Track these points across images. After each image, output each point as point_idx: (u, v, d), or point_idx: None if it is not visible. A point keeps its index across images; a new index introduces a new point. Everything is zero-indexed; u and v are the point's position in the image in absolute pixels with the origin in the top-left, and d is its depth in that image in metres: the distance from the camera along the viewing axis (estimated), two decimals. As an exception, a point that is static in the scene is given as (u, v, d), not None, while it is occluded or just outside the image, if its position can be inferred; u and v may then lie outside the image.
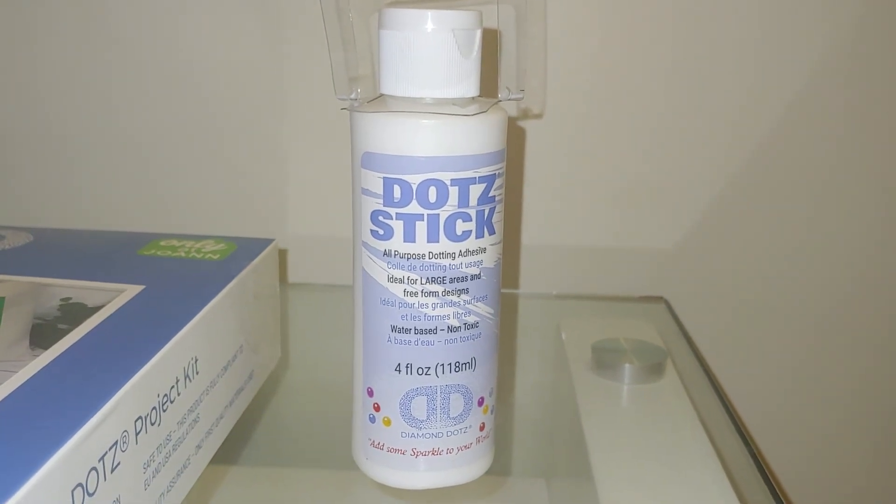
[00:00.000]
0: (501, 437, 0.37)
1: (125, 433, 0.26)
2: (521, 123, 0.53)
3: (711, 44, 0.51)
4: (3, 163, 0.55)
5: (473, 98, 0.32)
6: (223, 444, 0.35)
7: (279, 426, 0.51)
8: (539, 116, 0.52)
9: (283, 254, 0.54)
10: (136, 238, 0.41)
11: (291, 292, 0.54)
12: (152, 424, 0.28)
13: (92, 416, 0.25)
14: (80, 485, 0.24)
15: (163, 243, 0.40)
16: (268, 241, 0.41)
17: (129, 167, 0.54)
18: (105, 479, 0.25)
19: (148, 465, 0.28)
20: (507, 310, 0.49)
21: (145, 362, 0.28)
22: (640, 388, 0.41)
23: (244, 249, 0.40)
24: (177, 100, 0.53)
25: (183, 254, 0.38)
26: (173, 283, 0.35)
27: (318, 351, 0.51)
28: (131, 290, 0.34)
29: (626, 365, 0.41)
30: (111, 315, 0.32)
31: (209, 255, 0.38)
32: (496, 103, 0.33)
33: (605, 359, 0.42)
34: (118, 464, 0.26)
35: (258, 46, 0.52)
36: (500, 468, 0.35)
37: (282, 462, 0.51)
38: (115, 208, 0.55)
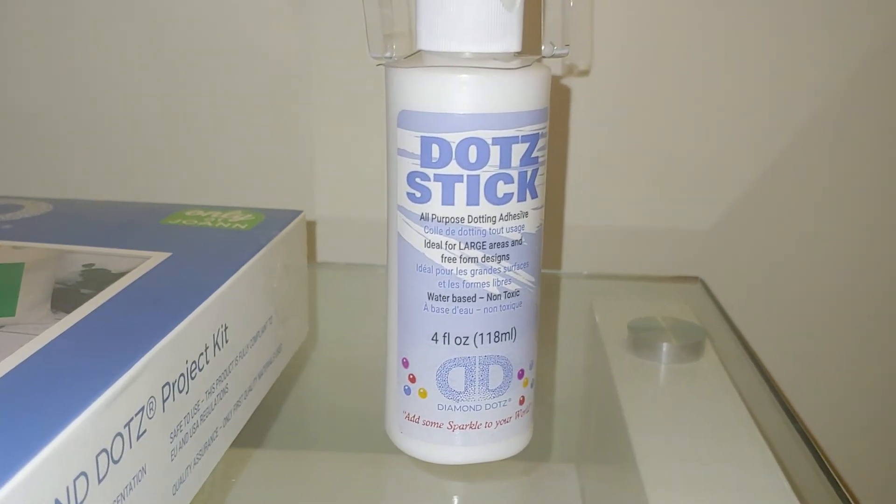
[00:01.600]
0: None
1: (152, 399, 0.25)
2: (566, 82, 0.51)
3: (766, 21, 0.50)
4: (32, 136, 0.54)
5: (516, 54, 0.30)
6: (248, 425, 0.34)
7: (307, 407, 0.49)
8: (585, 73, 0.51)
9: (310, 231, 0.53)
10: (159, 208, 0.40)
11: (319, 271, 0.53)
12: (180, 392, 0.27)
13: (118, 379, 0.23)
14: (104, 450, 0.22)
15: (188, 213, 0.39)
16: (296, 213, 0.40)
17: (152, 147, 0.53)
18: (131, 447, 0.24)
19: (175, 435, 0.27)
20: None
21: (174, 326, 0.27)
22: (679, 368, 0.39)
23: (272, 220, 0.38)
24: (204, 81, 0.52)
25: (209, 223, 0.37)
26: (200, 251, 0.34)
27: (347, 330, 0.50)
28: (157, 257, 0.33)
29: (665, 344, 0.40)
30: (137, 280, 0.30)
31: (237, 224, 0.37)
32: (539, 60, 0.31)
33: (642, 338, 0.40)
34: (144, 431, 0.25)
35: (287, 24, 0.51)
36: (525, 454, 0.34)
37: (309, 445, 0.49)
38: (139, 187, 0.54)
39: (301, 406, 0.48)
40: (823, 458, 0.34)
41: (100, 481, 0.22)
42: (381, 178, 0.33)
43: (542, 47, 0.32)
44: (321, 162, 0.53)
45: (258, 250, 0.34)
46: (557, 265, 0.54)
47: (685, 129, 0.52)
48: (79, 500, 0.21)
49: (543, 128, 0.31)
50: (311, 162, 0.53)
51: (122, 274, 0.31)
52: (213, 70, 0.52)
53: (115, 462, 0.23)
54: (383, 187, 0.32)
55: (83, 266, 0.31)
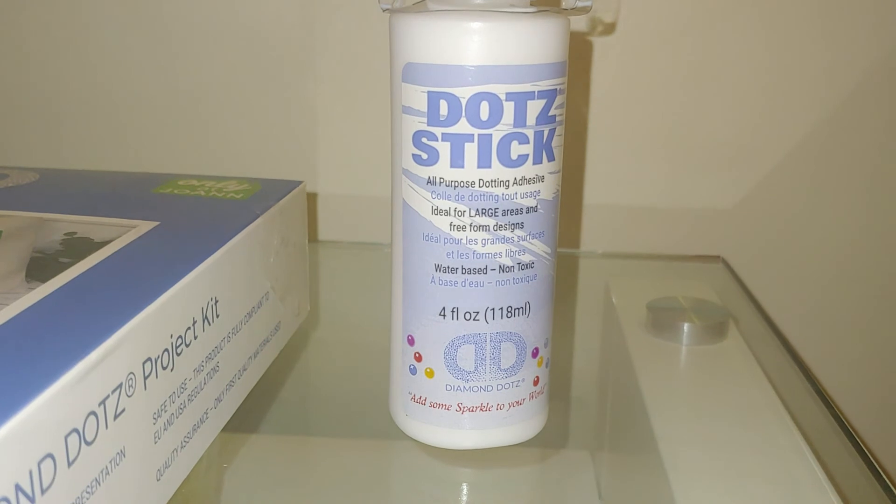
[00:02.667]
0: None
1: (131, 376, 0.23)
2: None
3: (800, 6, 0.48)
4: (27, 106, 0.52)
5: (532, 3, 0.28)
6: (244, 409, 0.31)
7: (307, 390, 0.47)
8: (610, 31, 0.49)
9: (312, 207, 0.51)
10: (151, 178, 0.37)
11: (322, 250, 0.51)
12: (164, 369, 0.25)
13: (91, 352, 0.21)
14: (75, 430, 0.20)
15: (181, 182, 0.36)
16: (295, 183, 0.37)
17: (149, 120, 0.52)
18: (106, 427, 0.22)
19: (159, 416, 0.25)
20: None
21: (156, 297, 0.24)
22: (702, 350, 0.37)
23: (270, 190, 0.36)
24: (206, 57, 0.50)
25: (202, 193, 0.35)
26: (191, 221, 0.32)
27: (351, 310, 0.48)
28: (144, 226, 0.30)
29: (686, 324, 0.37)
30: (120, 249, 0.28)
31: (231, 194, 0.35)
32: (559, 11, 0.29)
33: (662, 318, 0.38)
34: (122, 410, 0.22)
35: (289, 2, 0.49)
36: (536, 440, 0.32)
37: (309, 430, 0.47)
38: (134, 159, 0.52)
39: (301, 389, 0.46)
40: (862, 446, 0.31)
41: (69, 464, 0.20)
42: (386, 153, 0.30)
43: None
44: (324, 137, 0.51)
45: (253, 220, 0.32)
46: (573, 244, 0.52)
47: (711, 103, 0.50)
48: (44, 485, 0.19)
49: (562, 83, 0.28)
50: (314, 137, 0.51)
51: (104, 243, 0.28)
52: (214, 40, 0.50)
53: (88, 443, 0.21)
54: (388, 162, 0.30)
55: (64, 235, 0.29)
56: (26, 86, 0.52)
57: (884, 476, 0.30)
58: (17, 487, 0.18)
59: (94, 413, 0.21)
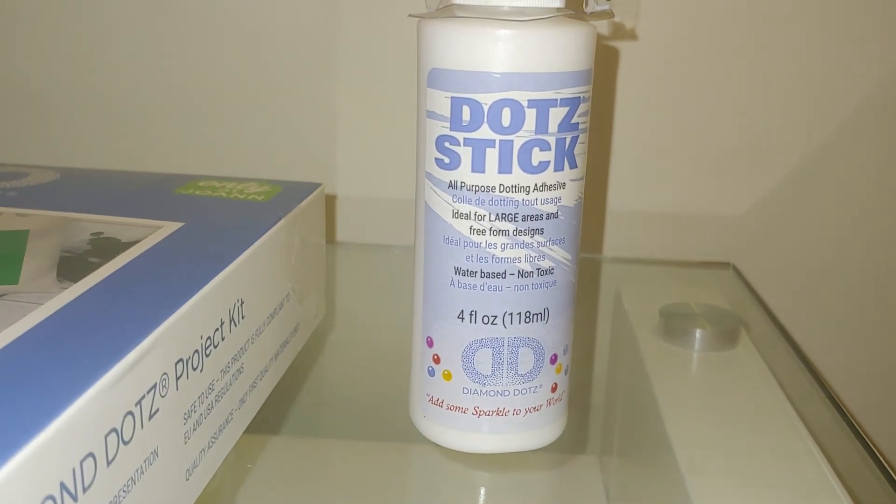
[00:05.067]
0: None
1: (165, 376, 0.23)
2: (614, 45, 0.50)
3: (817, 7, 0.48)
4: (46, 107, 0.52)
5: (557, 10, 0.28)
6: (264, 410, 0.32)
7: (324, 392, 0.47)
8: (632, 36, 0.49)
9: (331, 209, 0.51)
10: (172, 178, 0.38)
11: (339, 251, 0.51)
12: (194, 369, 0.25)
13: (129, 352, 0.21)
14: (114, 430, 0.21)
15: (202, 183, 0.37)
16: (315, 185, 0.38)
17: (169, 121, 0.52)
18: (142, 427, 0.22)
19: (189, 416, 0.25)
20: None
21: (189, 298, 0.25)
22: (714, 356, 0.37)
23: (290, 192, 0.36)
24: (229, 60, 0.50)
25: (224, 194, 0.35)
26: (215, 222, 0.32)
27: (368, 312, 0.48)
28: (169, 227, 0.31)
29: (698, 330, 0.38)
30: (148, 250, 0.28)
31: (253, 196, 0.35)
32: (583, 17, 0.29)
33: (674, 324, 0.38)
34: (157, 410, 0.23)
35: (313, 5, 0.49)
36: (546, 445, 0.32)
37: (325, 432, 0.47)
38: (153, 160, 0.53)
39: (318, 391, 0.46)
40: (875, 451, 0.32)
41: (108, 463, 0.20)
42: (406, 156, 0.31)
43: (585, 4, 0.29)
44: (343, 139, 0.51)
45: (276, 222, 0.32)
46: (584, 249, 0.53)
47: (723, 110, 0.50)
48: (86, 484, 0.19)
49: (586, 91, 0.29)
50: (334, 139, 0.51)
51: (132, 243, 0.29)
52: (237, 43, 0.50)
53: (126, 443, 0.21)
54: (408, 165, 0.30)
55: (91, 234, 0.29)
56: (44, 85, 0.52)
57: (896, 480, 0.30)
58: (62, 486, 0.18)
59: (131, 413, 0.21)
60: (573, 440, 0.44)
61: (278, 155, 0.52)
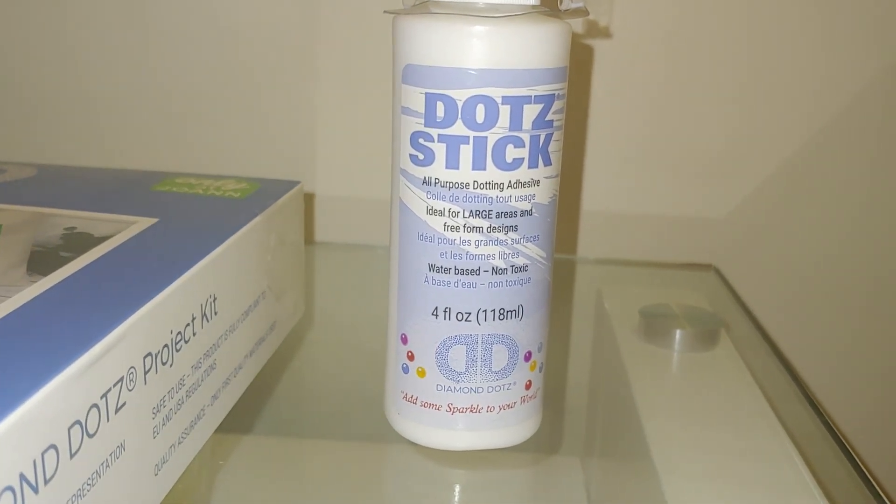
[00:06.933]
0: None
1: (132, 370, 0.23)
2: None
3: (798, 12, 0.49)
4: (22, 102, 0.52)
5: (532, 6, 0.28)
6: (238, 409, 0.32)
7: (300, 392, 0.47)
8: (606, 35, 0.49)
9: (309, 208, 0.51)
10: (149, 175, 0.38)
11: (318, 251, 0.51)
12: (163, 364, 0.25)
13: (95, 345, 0.21)
14: (78, 422, 0.21)
15: (179, 180, 0.37)
16: (293, 183, 0.38)
17: (146, 118, 0.52)
18: (108, 420, 0.22)
19: (158, 411, 0.25)
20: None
21: (158, 292, 0.25)
22: (694, 357, 0.37)
23: (268, 189, 0.36)
24: (209, 58, 0.50)
25: (201, 191, 0.35)
26: (190, 218, 0.32)
27: (346, 311, 0.48)
28: (143, 223, 0.31)
29: (678, 331, 0.38)
30: (120, 245, 0.28)
31: (230, 192, 0.35)
32: (558, 15, 0.29)
33: (654, 324, 0.38)
34: (123, 404, 0.23)
35: (292, 3, 0.49)
36: (525, 445, 0.32)
37: (302, 431, 0.47)
38: (131, 158, 0.52)
39: (295, 390, 0.46)
40: (851, 451, 0.32)
41: (72, 456, 0.20)
42: (386, 156, 0.31)
43: (559, 2, 0.29)
44: (322, 138, 0.51)
45: (251, 218, 0.32)
46: (566, 250, 0.53)
47: (704, 112, 0.50)
48: (48, 476, 0.19)
49: (561, 89, 0.29)
50: (313, 138, 0.51)
51: (105, 238, 0.29)
52: (215, 40, 0.50)
53: (91, 436, 0.21)
54: (385, 164, 0.30)
55: (64, 229, 0.29)
56: (24, 82, 0.52)
57: (872, 481, 0.30)
58: (22, 477, 0.18)
59: (96, 406, 0.21)
60: (554, 440, 0.44)
61: (258, 153, 0.52)
